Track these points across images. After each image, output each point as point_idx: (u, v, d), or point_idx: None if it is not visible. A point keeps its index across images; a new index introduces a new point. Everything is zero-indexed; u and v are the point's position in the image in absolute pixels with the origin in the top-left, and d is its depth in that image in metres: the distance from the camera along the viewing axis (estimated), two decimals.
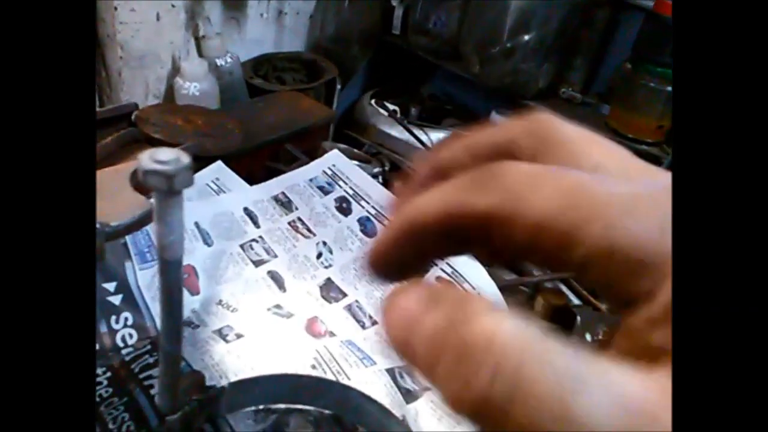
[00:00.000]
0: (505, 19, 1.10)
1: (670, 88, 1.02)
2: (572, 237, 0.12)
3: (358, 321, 0.58)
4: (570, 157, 0.15)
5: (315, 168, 0.78)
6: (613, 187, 0.13)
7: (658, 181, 0.14)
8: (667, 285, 0.12)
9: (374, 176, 0.89)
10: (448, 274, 0.61)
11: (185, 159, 0.24)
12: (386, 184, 0.91)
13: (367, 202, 0.72)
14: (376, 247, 0.16)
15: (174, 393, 0.34)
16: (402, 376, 0.49)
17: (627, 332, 0.13)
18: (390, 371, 0.50)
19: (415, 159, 0.17)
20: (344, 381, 0.49)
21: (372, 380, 0.49)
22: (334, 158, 0.80)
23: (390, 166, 0.97)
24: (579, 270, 0.13)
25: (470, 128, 0.17)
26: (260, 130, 0.87)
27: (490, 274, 0.62)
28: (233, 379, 0.47)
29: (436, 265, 0.62)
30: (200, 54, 0.97)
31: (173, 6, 0.92)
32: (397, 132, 1.17)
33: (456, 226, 0.14)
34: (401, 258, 0.16)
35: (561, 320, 0.17)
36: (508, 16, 1.10)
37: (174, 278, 0.28)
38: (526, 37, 1.10)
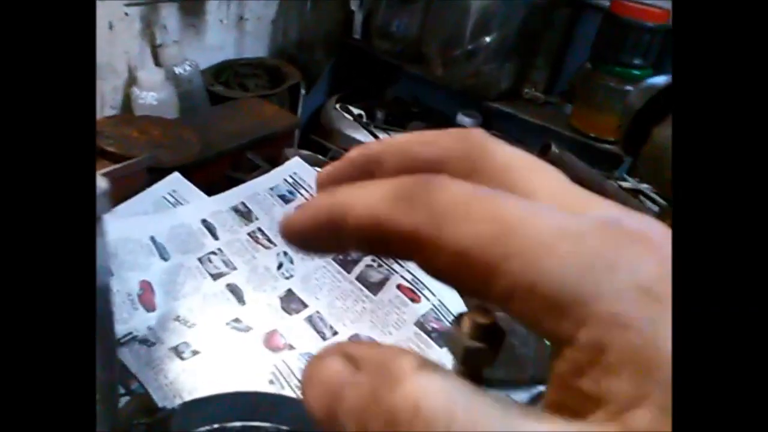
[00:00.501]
0: (466, 22, 1.11)
1: (628, 87, 1.04)
2: (492, 270, 0.12)
3: (319, 332, 0.57)
4: (504, 183, 0.14)
5: (276, 176, 0.77)
6: (541, 219, 0.12)
7: (595, 214, 0.13)
8: (588, 329, 0.11)
9: None
10: (408, 281, 0.60)
11: (102, 184, 0.23)
12: None
13: None
14: (293, 221, 0.15)
15: (113, 420, 0.33)
16: None
17: (555, 379, 0.12)
18: None
19: (353, 148, 0.17)
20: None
21: None
22: (296, 166, 0.79)
23: None
24: (500, 303, 0.12)
25: (412, 131, 0.17)
26: (220, 139, 0.86)
27: None
28: (188, 398, 0.46)
29: (396, 272, 0.61)
30: (157, 63, 0.96)
31: (127, 14, 0.90)
32: (363, 136, 1.17)
33: (377, 238, 0.14)
34: (317, 240, 0.15)
35: (489, 339, 0.17)
36: (469, 18, 1.10)
37: (101, 306, 0.27)
38: (488, 39, 1.11)
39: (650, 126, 0.51)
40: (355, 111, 1.25)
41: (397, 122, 1.26)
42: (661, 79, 0.53)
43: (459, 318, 0.19)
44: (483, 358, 0.20)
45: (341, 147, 1.10)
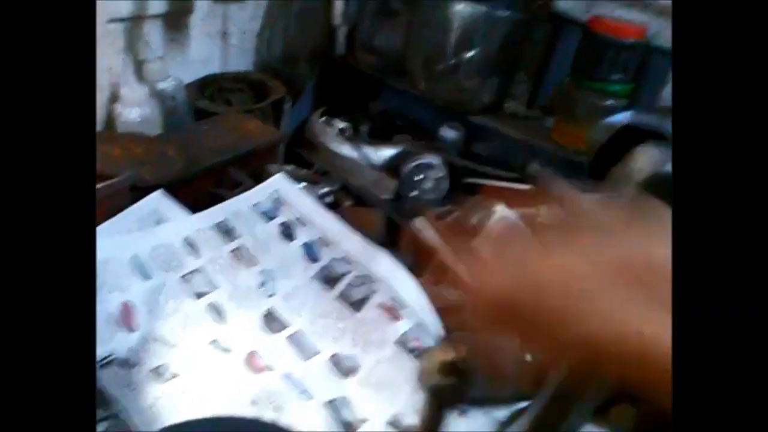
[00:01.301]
0: (449, 37, 1.12)
1: (608, 102, 1.06)
2: None
3: (300, 351, 0.57)
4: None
5: (259, 193, 0.77)
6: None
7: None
8: None
9: (323, 196, 0.88)
10: (389, 300, 0.61)
11: None
12: (336, 203, 0.91)
13: (312, 227, 0.72)
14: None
15: None
16: (341, 408, 0.49)
17: None
18: (330, 403, 0.50)
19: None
20: (284, 416, 0.48)
21: (311, 414, 0.48)
22: (279, 182, 0.80)
23: (340, 185, 0.97)
24: None
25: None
26: (203, 155, 0.85)
27: (432, 295, 0.62)
28: (168, 422, 0.46)
29: (378, 291, 0.62)
30: (140, 79, 0.95)
31: (110, 30, 0.90)
32: (348, 150, 1.17)
33: None
34: None
35: (458, 374, 0.18)
36: (452, 33, 1.12)
37: None
38: (470, 54, 1.12)
39: (610, 164, 0.53)
40: (340, 125, 1.25)
41: (382, 136, 1.27)
42: (622, 117, 0.54)
43: (427, 354, 0.20)
44: (452, 394, 0.21)
45: (325, 161, 1.11)
